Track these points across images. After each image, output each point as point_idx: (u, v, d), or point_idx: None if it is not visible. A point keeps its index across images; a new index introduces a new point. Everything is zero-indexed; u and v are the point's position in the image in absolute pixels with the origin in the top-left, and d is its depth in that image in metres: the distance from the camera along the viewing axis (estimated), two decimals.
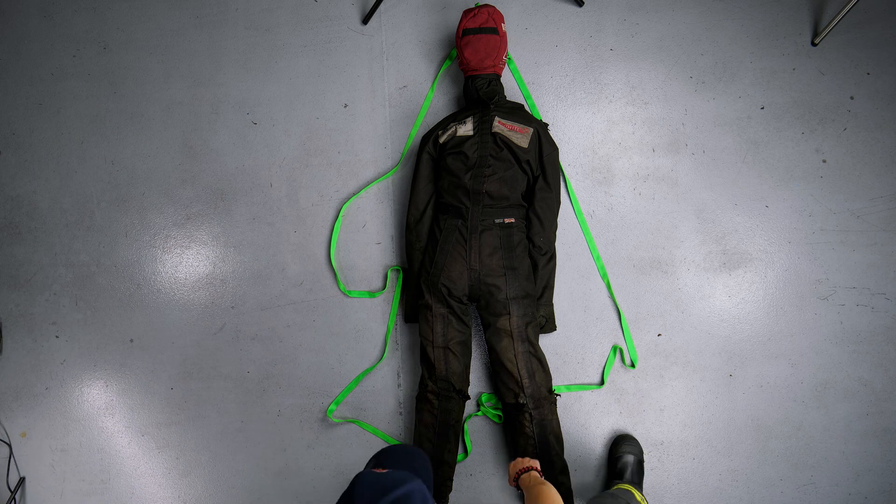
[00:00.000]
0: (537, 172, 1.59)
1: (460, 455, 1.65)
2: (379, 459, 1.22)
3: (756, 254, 1.65)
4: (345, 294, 1.74)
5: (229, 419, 1.78)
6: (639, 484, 1.56)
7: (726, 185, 1.67)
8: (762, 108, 1.67)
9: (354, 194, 1.76)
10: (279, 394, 1.77)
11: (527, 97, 1.73)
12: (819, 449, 1.61)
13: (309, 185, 1.79)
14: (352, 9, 1.81)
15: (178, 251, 1.83)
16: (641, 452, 1.60)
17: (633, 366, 1.64)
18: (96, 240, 1.85)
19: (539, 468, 1.27)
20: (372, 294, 1.74)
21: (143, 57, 1.86)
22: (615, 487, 1.48)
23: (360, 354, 1.75)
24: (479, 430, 1.68)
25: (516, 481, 1.27)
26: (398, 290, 1.72)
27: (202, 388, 1.79)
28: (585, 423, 1.65)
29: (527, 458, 1.30)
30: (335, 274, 1.75)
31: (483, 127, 1.56)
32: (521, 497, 1.61)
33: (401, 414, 1.72)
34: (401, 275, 1.72)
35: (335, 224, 1.75)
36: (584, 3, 1.72)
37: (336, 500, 0.98)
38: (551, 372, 1.60)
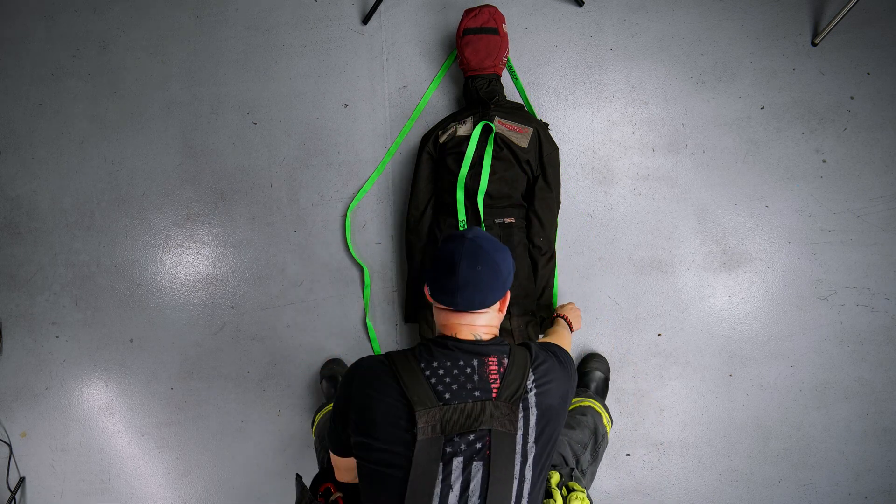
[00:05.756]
0: (537, 172, 1.58)
1: None
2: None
3: (756, 254, 1.65)
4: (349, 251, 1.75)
5: (229, 419, 1.78)
6: (602, 400, 1.56)
7: (726, 185, 1.67)
8: (762, 108, 1.67)
9: (356, 195, 1.76)
10: (279, 394, 1.77)
11: (526, 103, 1.72)
12: (819, 449, 1.61)
13: (309, 185, 1.79)
14: (352, 9, 1.81)
15: (178, 251, 1.83)
16: (608, 370, 1.62)
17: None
18: (96, 240, 1.85)
19: (567, 319, 1.46)
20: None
21: (143, 57, 1.86)
22: (582, 402, 1.45)
23: (360, 354, 1.74)
24: None
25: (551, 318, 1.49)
26: (367, 290, 1.73)
27: (202, 388, 1.79)
28: None
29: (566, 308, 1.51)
30: (360, 265, 1.75)
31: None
32: None
33: None
34: (367, 276, 1.73)
35: (345, 226, 1.75)
36: (584, 3, 1.72)
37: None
38: None
